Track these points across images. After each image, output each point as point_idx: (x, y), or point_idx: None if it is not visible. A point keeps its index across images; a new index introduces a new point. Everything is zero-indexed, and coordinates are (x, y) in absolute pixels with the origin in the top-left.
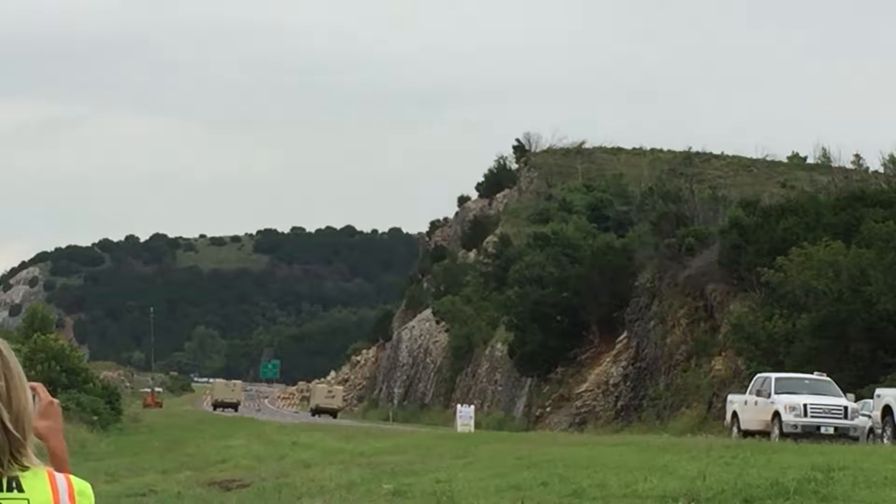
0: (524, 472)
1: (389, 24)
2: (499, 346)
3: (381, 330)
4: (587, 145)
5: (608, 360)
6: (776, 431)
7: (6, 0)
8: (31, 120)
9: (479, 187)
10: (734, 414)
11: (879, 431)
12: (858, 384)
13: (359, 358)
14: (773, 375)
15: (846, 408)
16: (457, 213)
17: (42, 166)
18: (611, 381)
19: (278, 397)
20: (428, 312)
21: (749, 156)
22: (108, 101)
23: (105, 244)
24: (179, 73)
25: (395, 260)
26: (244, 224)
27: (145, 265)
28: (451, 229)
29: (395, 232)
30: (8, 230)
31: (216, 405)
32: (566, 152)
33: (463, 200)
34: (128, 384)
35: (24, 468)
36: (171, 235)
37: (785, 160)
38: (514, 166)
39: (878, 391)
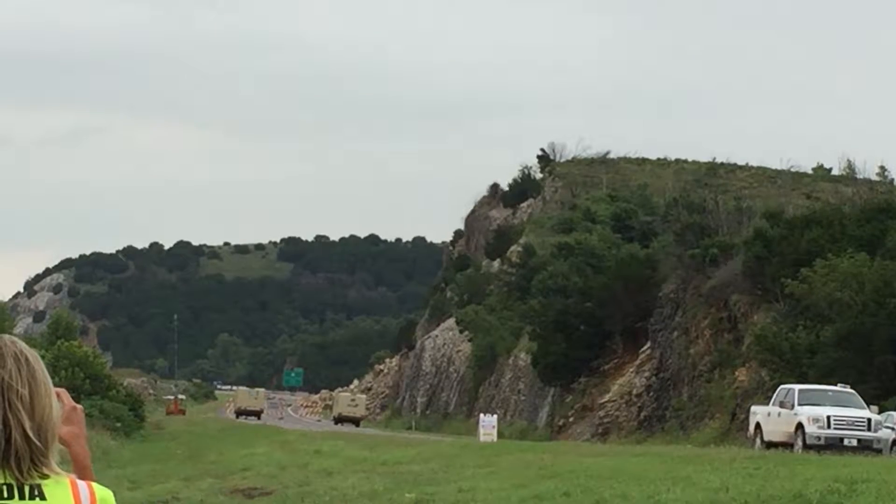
0: (547, 483)
1: (416, 37)
2: (522, 355)
3: (405, 339)
4: (612, 155)
5: (631, 370)
6: (799, 443)
7: (35, 12)
8: (59, 128)
9: (503, 197)
10: (757, 425)
11: None
12: (882, 396)
13: (382, 367)
14: (797, 387)
15: (870, 420)
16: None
17: (68, 174)
18: (634, 392)
19: (301, 405)
20: (451, 322)
21: (774, 167)
22: (134, 111)
23: (129, 251)
24: (205, 84)
25: (419, 269)
26: (268, 232)
27: (169, 272)
28: (475, 239)
29: (419, 241)
30: (33, 237)
31: (239, 413)
32: (590, 162)
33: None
34: (151, 391)
35: (45, 476)
36: (195, 243)
37: (810, 171)
38: (539, 176)
39: None
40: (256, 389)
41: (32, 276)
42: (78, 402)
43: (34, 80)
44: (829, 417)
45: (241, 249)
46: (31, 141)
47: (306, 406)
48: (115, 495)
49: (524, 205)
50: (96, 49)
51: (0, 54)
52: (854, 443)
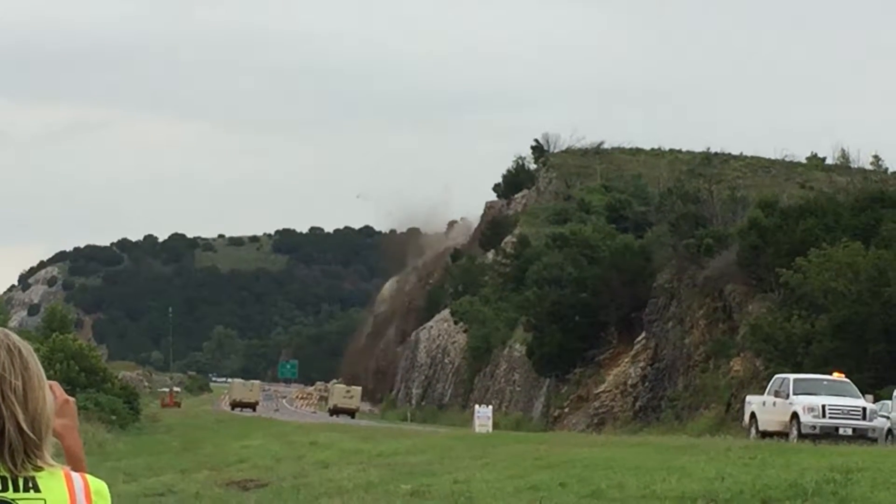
0: (542, 473)
1: (412, 31)
2: (517, 346)
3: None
4: (606, 146)
5: (626, 360)
6: (794, 432)
7: (34, 7)
8: (56, 122)
9: (497, 188)
10: (753, 415)
11: None
12: (877, 385)
13: None
14: (792, 376)
15: (865, 409)
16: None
17: (64, 167)
18: (629, 382)
19: (296, 397)
20: (446, 313)
21: (768, 157)
22: (131, 105)
23: (124, 244)
24: (201, 77)
25: None
26: (263, 224)
27: (164, 265)
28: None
29: (414, 232)
30: (27, 230)
31: (234, 405)
32: (585, 153)
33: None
34: (146, 384)
35: (39, 468)
36: (189, 235)
37: (804, 161)
38: (533, 167)
39: None
40: (251, 382)
41: (27, 269)
42: (73, 395)
43: (31, 75)
44: (824, 407)
45: (236, 242)
46: (27, 135)
47: (301, 398)
48: (110, 488)
49: (518, 196)
50: (93, 43)
51: None
52: (849, 432)
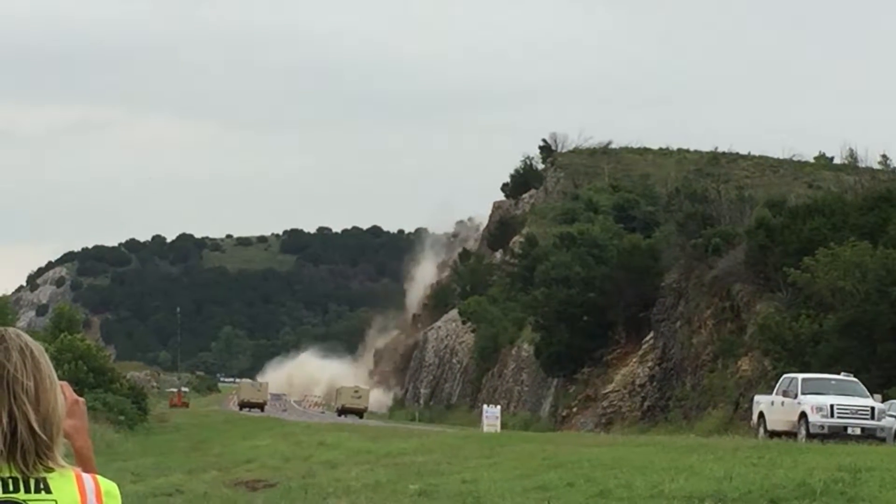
0: (550, 473)
1: (417, 29)
2: (525, 346)
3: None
4: (613, 145)
5: (634, 360)
6: (803, 432)
7: (40, 6)
8: (61, 122)
9: (505, 188)
10: (761, 414)
11: None
12: (885, 385)
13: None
14: (800, 376)
15: (873, 408)
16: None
17: (70, 167)
18: (637, 382)
19: (312, 405)
20: (454, 313)
21: (775, 156)
22: (136, 104)
23: (132, 244)
24: (207, 77)
25: None
26: (270, 224)
27: (172, 265)
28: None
29: (422, 232)
30: (35, 230)
31: (242, 405)
32: (592, 152)
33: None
34: (154, 384)
35: (50, 469)
36: (197, 236)
37: (811, 160)
38: (541, 167)
39: None
40: (259, 381)
41: (35, 269)
42: (81, 395)
43: (36, 75)
44: (832, 406)
45: (244, 242)
46: (34, 135)
47: (316, 405)
48: (119, 488)
49: (526, 195)
50: (97, 43)
51: (2, 48)
52: (857, 431)
